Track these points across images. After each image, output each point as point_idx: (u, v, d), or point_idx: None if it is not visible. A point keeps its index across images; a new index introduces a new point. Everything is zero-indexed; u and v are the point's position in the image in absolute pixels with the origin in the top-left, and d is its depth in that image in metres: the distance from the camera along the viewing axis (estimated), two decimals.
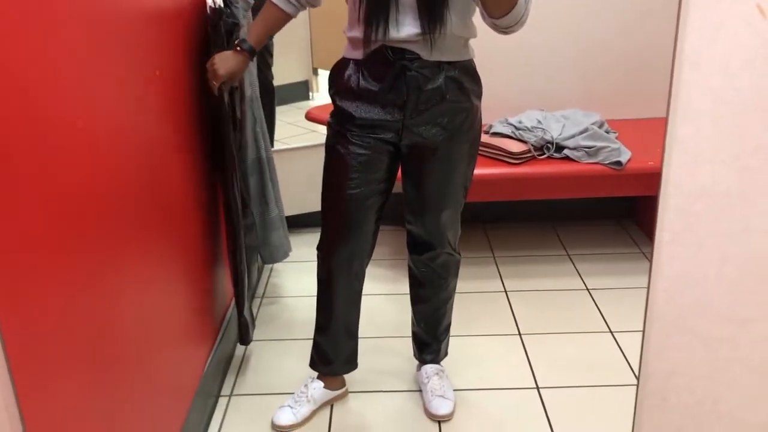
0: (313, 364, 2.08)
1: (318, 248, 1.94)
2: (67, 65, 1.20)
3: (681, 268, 0.90)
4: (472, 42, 1.77)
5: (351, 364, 2.10)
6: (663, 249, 0.89)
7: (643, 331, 0.94)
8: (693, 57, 0.80)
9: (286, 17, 1.85)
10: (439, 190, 1.85)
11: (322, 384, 2.07)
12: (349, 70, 1.75)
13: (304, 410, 2.02)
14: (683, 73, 0.81)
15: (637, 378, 0.97)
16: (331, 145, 1.83)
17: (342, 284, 1.94)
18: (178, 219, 1.83)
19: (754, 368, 0.95)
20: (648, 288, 0.91)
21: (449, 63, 1.72)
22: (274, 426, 1.99)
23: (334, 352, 2.05)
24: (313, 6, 1.87)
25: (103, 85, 1.36)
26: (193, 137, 1.94)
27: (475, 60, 1.80)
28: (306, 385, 2.06)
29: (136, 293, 1.53)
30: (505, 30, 1.63)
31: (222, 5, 1.90)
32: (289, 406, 2.02)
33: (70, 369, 1.20)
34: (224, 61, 1.85)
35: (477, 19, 1.71)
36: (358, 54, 1.73)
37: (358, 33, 1.69)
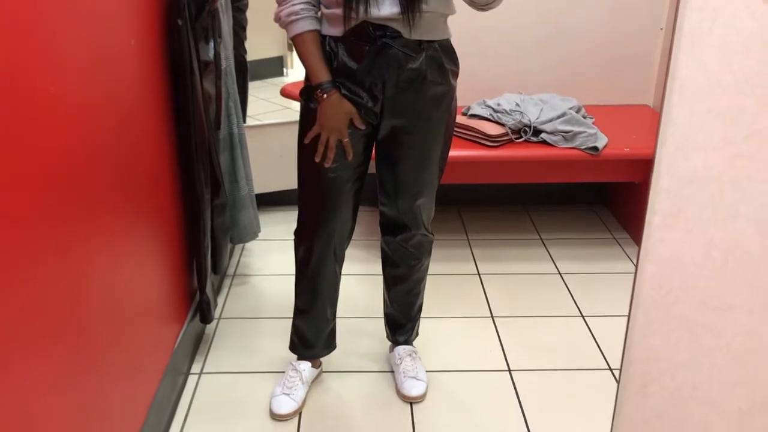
0: (293, 348, 2.05)
1: (296, 233, 1.90)
2: (39, 29, 1.15)
3: (669, 253, 0.89)
4: (451, 22, 1.74)
5: (331, 346, 2.08)
6: (653, 232, 0.88)
7: (629, 315, 0.93)
8: (691, 38, 0.78)
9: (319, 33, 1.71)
10: (415, 173, 1.83)
11: (309, 364, 2.05)
12: (327, 47, 1.70)
13: (301, 393, 1.99)
14: (681, 54, 0.79)
15: (617, 369, 0.96)
16: (306, 121, 1.77)
17: (323, 268, 1.90)
18: (149, 194, 1.78)
19: (735, 355, 0.95)
20: (635, 272, 0.90)
21: (429, 42, 1.69)
22: (276, 416, 1.93)
23: (315, 335, 2.02)
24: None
25: (78, 52, 1.31)
26: (164, 111, 1.89)
27: (452, 39, 1.77)
28: (295, 369, 2.02)
29: (106, 269, 1.48)
30: (483, 7, 1.61)
31: None
32: (284, 393, 1.97)
33: (37, 345, 1.16)
34: (330, 119, 1.68)
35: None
36: (336, 31, 1.67)
37: (336, 10, 1.64)
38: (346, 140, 1.71)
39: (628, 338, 0.94)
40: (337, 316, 2.06)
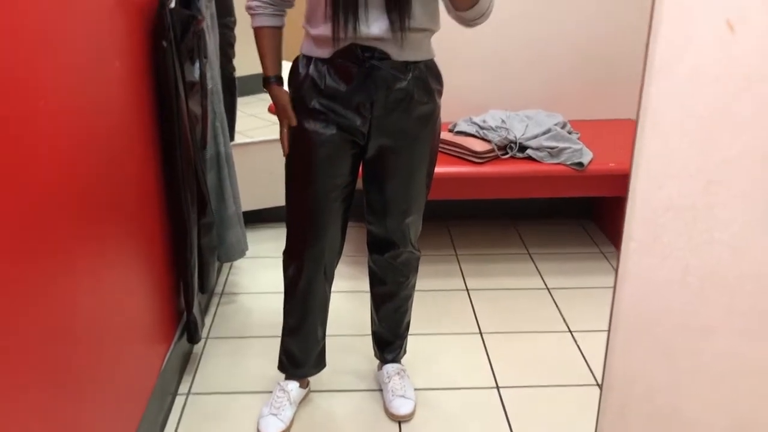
0: (282, 368, 2.04)
1: (285, 252, 1.90)
2: (22, 54, 1.16)
3: (646, 278, 0.90)
4: (436, 39, 1.75)
5: (320, 365, 2.08)
6: (629, 259, 0.89)
7: (608, 340, 0.94)
8: (663, 70, 0.80)
9: (280, 31, 1.80)
10: (402, 192, 1.84)
11: (297, 384, 2.04)
12: (313, 69, 1.70)
13: (289, 413, 1.98)
14: (653, 86, 0.81)
15: (600, 386, 0.97)
16: (294, 143, 1.78)
17: (313, 287, 1.90)
18: (134, 214, 1.79)
19: (714, 378, 0.96)
20: (613, 297, 0.91)
21: (415, 63, 1.70)
22: None
23: (304, 355, 2.02)
24: (290, 7, 1.82)
25: (61, 77, 1.31)
26: (149, 132, 1.89)
27: (436, 60, 1.78)
28: (282, 389, 2.02)
29: (91, 290, 1.48)
30: (470, 23, 1.63)
31: None
32: (271, 413, 1.96)
33: (20, 368, 1.16)
34: (283, 111, 1.78)
35: (441, 13, 1.70)
36: (323, 52, 1.68)
37: (324, 31, 1.64)
38: (293, 124, 1.77)
39: (608, 362, 0.95)
40: (327, 333, 2.06)
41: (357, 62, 1.66)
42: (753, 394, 0.95)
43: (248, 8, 1.77)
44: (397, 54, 1.65)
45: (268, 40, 1.78)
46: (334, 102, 1.70)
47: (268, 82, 1.79)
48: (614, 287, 0.90)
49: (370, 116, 1.72)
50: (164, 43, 1.84)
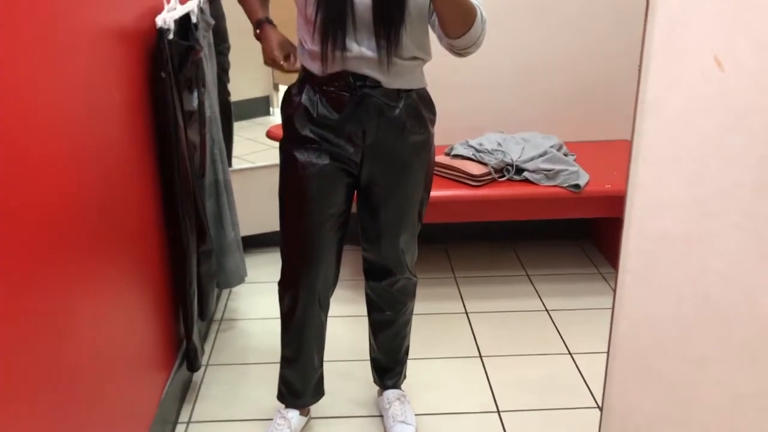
0: (281, 398, 2.04)
1: (280, 283, 1.91)
2: (26, 85, 1.17)
3: (642, 310, 0.91)
4: (432, 63, 1.77)
5: (319, 393, 2.07)
6: (625, 291, 0.90)
7: (606, 371, 0.95)
8: (654, 106, 0.81)
9: None
10: (396, 219, 1.84)
11: (297, 412, 2.04)
12: (306, 97, 1.72)
13: None
14: (644, 121, 0.82)
15: (601, 411, 0.97)
16: (287, 172, 1.79)
17: (309, 317, 1.90)
18: (134, 243, 1.79)
19: (710, 406, 0.97)
20: (610, 329, 0.92)
21: (407, 91, 1.71)
22: None
23: (302, 384, 2.01)
24: None
25: (61, 108, 1.33)
26: (148, 161, 1.91)
27: (432, 84, 1.80)
28: (283, 417, 2.01)
29: (91, 319, 1.49)
30: (461, 52, 1.62)
31: (164, 27, 1.86)
32: None
33: (18, 398, 1.16)
34: (265, 49, 1.84)
35: (434, 44, 1.71)
36: (316, 68, 1.68)
37: (314, 47, 1.66)
38: (281, 63, 1.81)
39: (607, 392, 0.95)
40: (324, 360, 2.06)
41: (348, 90, 1.67)
42: (748, 421, 0.95)
43: None
44: (389, 82, 1.67)
45: (254, 1, 1.86)
46: (326, 130, 1.72)
47: (257, 24, 1.83)
48: (611, 318, 0.91)
49: (363, 145, 1.73)
50: (163, 74, 1.86)
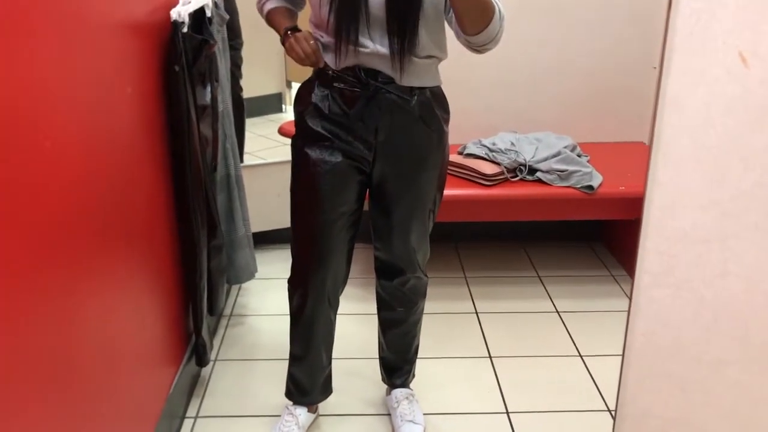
0: (289, 395, 2.03)
1: (290, 281, 1.89)
2: (38, 83, 1.17)
3: (659, 311, 0.89)
4: (446, 62, 1.75)
5: (327, 391, 2.06)
6: (642, 291, 0.88)
7: (620, 374, 0.93)
8: (675, 102, 0.79)
9: (293, 12, 1.83)
10: (408, 218, 1.82)
11: (305, 409, 2.03)
12: (318, 93, 1.71)
13: None
14: (665, 117, 0.80)
15: (613, 416, 0.96)
16: (299, 170, 1.78)
17: (318, 315, 1.89)
18: (145, 238, 1.79)
19: (727, 411, 0.95)
20: (626, 330, 0.90)
21: (420, 89, 1.70)
22: None
23: (310, 382, 2.00)
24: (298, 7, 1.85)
25: (74, 103, 1.32)
26: (160, 155, 1.90)
27: (446, 82, 1.78)
28: (291, 413, 2.00)
29: (100, 312, 1.48)
30: (479, 49, 1.61)
31: (179, 20, 1.85)
32: None
33: (29, 391, 1.16)
34: (296, 51, 1.69)
35: (450, 40, 1.70)
36: (328, 58, 1.67)
37: (327, 39, 1.65)
38: (315, 60, 1.69)
39: (621, 396, 0.93)
40: (333, 357, 2.05)
41: (360, 86, 1.66)
42: (765, 428, 0.93)
43: (258, 3, 1.83)
44: (402, 79, 1.65)
45: (280, 13, 1.79)
46: (338, 127, 1.70)
47: (289, 29, 1.71)
48: (627, 320, 0.90)
49: (375, 142, 1.71)
50: (176, 68, 1.86)
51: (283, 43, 1.73)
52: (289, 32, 1.71)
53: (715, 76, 0.79)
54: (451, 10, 1.56)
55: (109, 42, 1.55)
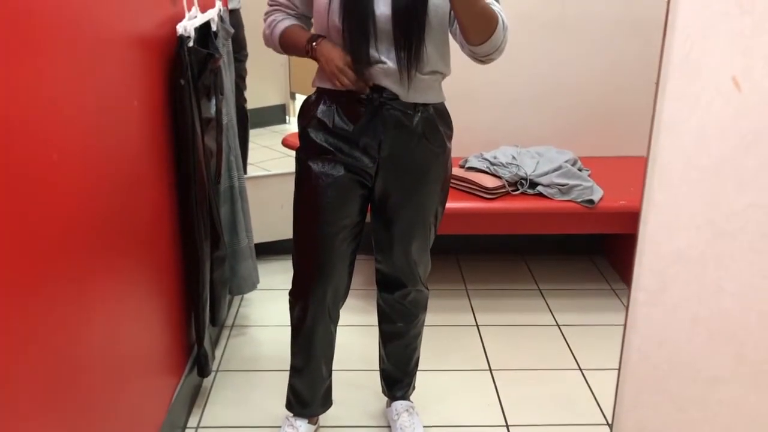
0: (290, 407, 2.04)
1: (291, 293, 1.91)
2: (48, 94, 1.19)
3: (655, 328, 0.91)
4: (446, 79, 1.77)
5: (327, 403, 2.07)
6: (638, 309, 0.90)
7: (616, 389, 0.95)
8: (670, 125, 0.81)
9: (304, 28, 1.80)
10: (410, 232, 1.84)
11: (306, 420, 2.04)
12: (323, 107, 1.73)
13: None
14: (660, 139, 0.82)
15: (611, 428, 0.97)
16: (302, 182, 1.80)
17: (318, 328, 1.90)
18: (149, 249, 1.81)
19: (721, 427, 0.96)
20: (622, 347, 0.92)
21: (424, 105, 1.72)
22: None
23: (310, 394, 2.01)
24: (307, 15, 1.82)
25: (85, 112, 1.35)
26: (165, 167, 1.92)
27: (448, 97, 1.80)
28: (291, 425, 2.01)
29: (103, 322, 1.50)
30: (483, 59, 1.63)
31: (185, 34, 1.88)
32: None
33: (31, 401, 1.18)
34: (329, 60, 1.65)
35: (453, 55, 1.73)
36: (332, 83, 1.69)
37: None
38: (351, 75, 1.64)
39: (617, 410, 0.95)
40: (333, 369, 2.06)
41: (365, 102, 1.68)
42: None
43: (269, 25, 1.78)
44: (406, 95, 1.68)
45: (297, 29, 1.75)
46: (341, 141, 1.72)
47: (312, 40, 1.68)
48: (623, 337, 0.91)
49: (378, 156, 1.73)
50: (182, 81, 1.88)
51: (308, 53, 1.70)
52: (313, 44, 1.68)
53: (710, 100, 0.81)
54: (456, 22, 1.58)
55: (117, 56, 1.58)
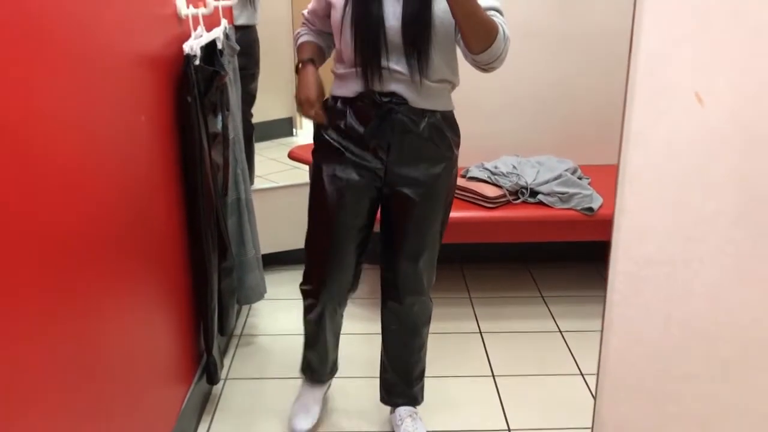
0: (304, 372, 2.25)
1: (302, 283, 2.05)
2: (60, 111, 1.26)
3: (630, 328, 0.96)
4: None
5: (334, 371, 2.28)
6: (613, 309, 0.95)
7: (596, 387, 1.00)
8: (639, 137, 0.87)
9: (321, 48, 1.97)
10: (416, 238, 1.92)
11: (318, 384, 2.25)
12: (336, 108, 1.84)
13: (316, 409, 2.22)
14: (630, 151, 0.88)
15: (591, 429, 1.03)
16: (315, 183, 1.92)
17: (326, 315, 2.06)
18: (159, 260, 1.88)
19: (697, 421, 1.01)
20: (600, 347, 0.97)
21: (432, 111, 1.81)
22: None
23: (320, 364, 2.21)
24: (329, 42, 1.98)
25: (96, 128, 1.42)
26: (173, 181, 2.00)
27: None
28: (307, 390, 2.23)
29: (117, 332, 1.56)
30: (485, 67, 1.71)
31: (191, 53, 1.96)
32: (303, 411, 2.19)
33: (44, 408, 1.24)
34: (305, 87, 1.84)
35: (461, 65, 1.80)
36: (347, 91, 1.81)
37: (350, 69, 1.78)
38: (315, 111, 1.83)
39: (597, 408, 1.00)
40: (337, 376, 2.13)
41: (375, 106, 1.78)
42: None
43: (295, 37, 2.00)
44: (415, 100, 1.77)
45: (307, 45, 1.94)
46: (352, 142, 1.83)
47: (301, 62, 1.87)
48: (601, 338, 0.97)
49: (386, 159, 1.82)
50: (189, 98, 1.95)
51: (296, 72, 1.90)
52: (299, 65, 1.88)
53: (675, 113, 0.87)
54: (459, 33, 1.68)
55: (127, 74, 1.65)
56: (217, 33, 2.21)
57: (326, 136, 1.87)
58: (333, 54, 1.92)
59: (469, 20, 1.60)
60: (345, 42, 1.76)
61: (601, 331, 0.98)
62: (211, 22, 2.24)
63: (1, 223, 1.05)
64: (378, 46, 1.71)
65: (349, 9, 1.72)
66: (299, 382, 2.27)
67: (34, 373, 1.18)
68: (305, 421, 2.16)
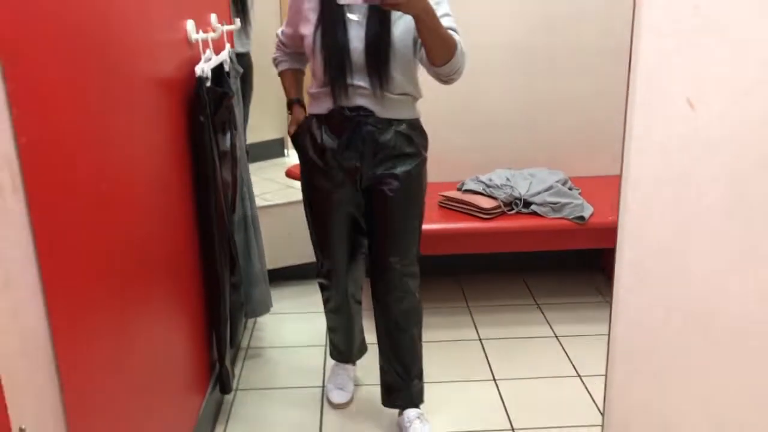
0: (332, 356, 2.50)
1: (317, 278, 2.32)
2: (88, 135, 1.35)
3: (635, 317, 1.06)
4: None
5: (363, 351, 2.53)
6: (620, 299, 1.05)
7: (606, 374, 1.09)
8: (639, 141, 0.98)
9: (299, 71, 2.27)
10: (395, 228, 2.12)
11: (349, 364, 2.49)
12: (314, 124, 2.07)
13: (351, 386, 2.47)
14: (631, 155, 0.98)
15: (602, 414, 1.11)
16: (304, 193, 2.19)
17: (343, 307, 2.31)
18: (175, 275, 1.95)
19: (701, 403, 1.11)
20: (609, 334, 1.07)
21: (398, 120, 2.02)
22: (335, 405, 2.40)
23: (346, 347, 2.45)
24: (305, 61, 2.22)
25: (126, 152, 1.51)
26: (188, 199, 2.08)
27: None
28: (342, 369, 2.48)
29: (144, 341, 1.64)
30: (446, 79, 1.94)
31: (203, 75, 2.06)
32: (339, 388, 2.45)
33: (70, 416, 1.31)
34: (296, 125, 2.17)
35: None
36: (320, 108, 2.04)
37: (322, 88, 2.00)
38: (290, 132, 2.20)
39: (607, 393, 1.10)
40: None
41: (346, 120, 2.00)
42: (736, 414, 1.09)
43: (273, 59, 2.26)
44: (380, 111, 1.99)
45: (290, 77, 2.24)
46: (328, 153, 2.05)
47: (291, 102, 2.21)
48: (609, 326, 1.06)
49: (361, 166, 2.03)
50: (201, 118, 2.05)
51: (288, 110, 2.24)
52: (289, 109, 2.22)
53: (669, 120, 0.98)
54: (422, 49, 1.89)
55: (151, 97, 1.74)
56: (224, 56, 2.31)
57: (305, 150, 2.11)
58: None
59: (432, 35, 1.82)
60: (317, 64, 1.99)
61: (609, 322, 1.07)
62: (217, 46, 2.34)
63: (68, 239, 1.13)
64: (343, 66, 1.94)
65: (318, 36, 1.95)
66: (308, 391, 2.35)
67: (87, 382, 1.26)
68: (342, 396, 2.42)
